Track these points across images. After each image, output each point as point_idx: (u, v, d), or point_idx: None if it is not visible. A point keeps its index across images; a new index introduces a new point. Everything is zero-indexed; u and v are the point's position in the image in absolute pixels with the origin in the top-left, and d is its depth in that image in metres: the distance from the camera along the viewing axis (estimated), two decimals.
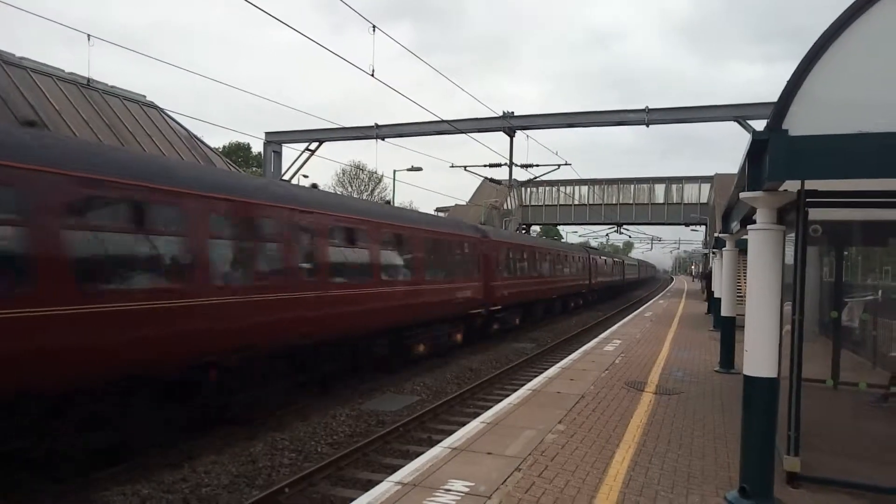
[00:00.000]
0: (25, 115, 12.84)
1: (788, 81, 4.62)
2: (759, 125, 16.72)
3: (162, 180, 7.80)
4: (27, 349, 6.15)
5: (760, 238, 5.01)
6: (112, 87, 16.89)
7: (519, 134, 23.18)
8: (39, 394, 6.53)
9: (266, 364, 9.80)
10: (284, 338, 9.85)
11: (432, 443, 8.24)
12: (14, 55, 14.38)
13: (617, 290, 46.26)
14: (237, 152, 56.50)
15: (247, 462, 8.31)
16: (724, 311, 12.44)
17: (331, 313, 10.84)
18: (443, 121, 21.30)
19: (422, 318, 14.57)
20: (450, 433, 7.79)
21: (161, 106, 18.60)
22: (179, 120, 18.85)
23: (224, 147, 54.87)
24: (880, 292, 8.95)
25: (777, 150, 4.43)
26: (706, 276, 35.39)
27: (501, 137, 23.54)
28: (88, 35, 12.96)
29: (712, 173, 44.17)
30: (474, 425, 7.50)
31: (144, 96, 18.13)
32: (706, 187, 46.67)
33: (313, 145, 23.26)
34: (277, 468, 8.18)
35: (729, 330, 12.03)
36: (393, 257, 13.38)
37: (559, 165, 27.84)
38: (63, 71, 15.43)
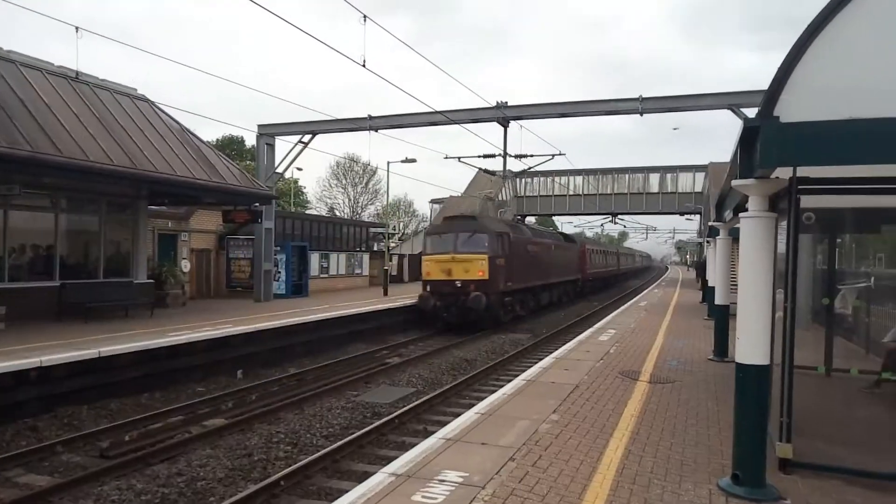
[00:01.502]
0: (14, 110, 12.73)
1: (779, 68, 4.60)
2: (753, 113, 16.70)
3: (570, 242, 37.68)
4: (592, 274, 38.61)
5: (752, 225, 5.00)
6: (102, 80, 16.74)
7: (513, 125, 23.11)
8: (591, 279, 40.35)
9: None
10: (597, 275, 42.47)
11: (427, 434, 8.25)
12: (2, 49, 14.23)
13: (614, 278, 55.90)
14: (230, 146, 56.18)
15: (242, 455, 8.32)
16: (718, 300, 12.46)
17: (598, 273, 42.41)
18: (436, 111, 21.19)
19: (620, 274, 55.85)
20: (445, 424, 7.80)
21: (154, 99, 18.47)
22: (172, 113, 18.72)
23: (217, 140, 54.60)
24: (873, 279, 8.97)
25: (768, 137, 4.42)
26: (700, 265, 35.47)
27: (496, 128, 23.48)
28: (77, 27, 12.85)
29: (707, 162, 44.19)
30: (469, 416, 7.50)
31: (135, 89, 17.96)
32: (700, 176, 46.64)
33: (306, 137, 23.10)
34: (273, 461, 8.18)
35: (723, 318, 12.05)
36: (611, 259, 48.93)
37: (553, 156, 27.78)
38: (52, 64, 15.26)
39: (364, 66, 15.15)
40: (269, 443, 8.85)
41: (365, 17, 13.84)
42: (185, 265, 21.87)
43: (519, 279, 22.48)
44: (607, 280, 49.13)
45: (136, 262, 18.14)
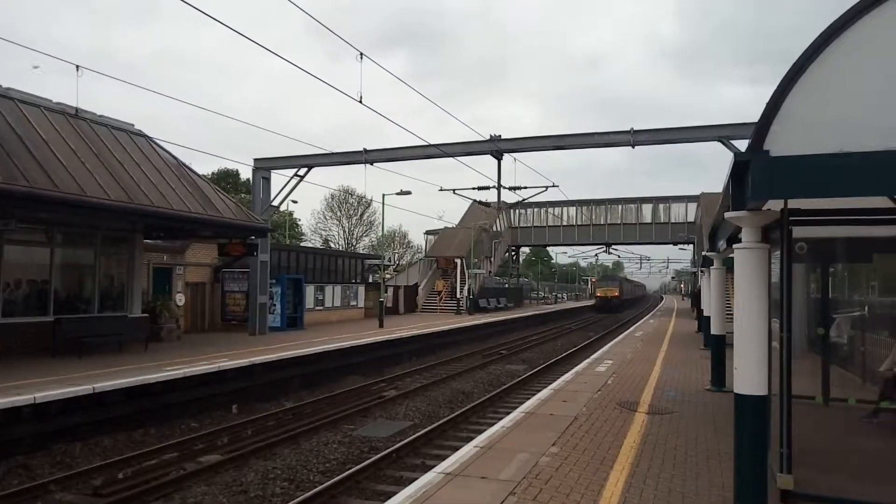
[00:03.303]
0: (12, 145, 12.82)
1: (768, 103, 4.71)
2: (743, 145, 16.92)
3: (632, 283, 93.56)
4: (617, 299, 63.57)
5: (746, 257, 5.06)
6: (100, 116, 16.91)
7: (507, 157, 23.34)
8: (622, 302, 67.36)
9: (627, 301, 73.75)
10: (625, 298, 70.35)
11: (426, 468, 8.18)
12: (1, 86, 14.40)
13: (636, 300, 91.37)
14: (226, 179, 56.47)
15: (238, 492, 8.21)
16: (714, 330, 12.48)
17: (627, 298, 72.04)
18: (430, 145, 21.42)
19: (633, 299, 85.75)
20: (443, 458, 7.74)
21: (154, 135, 18.63)
22: (170, 148, 18.86)
23: (212, 174, 54.87)
24: (867, 308, 9.03)
25: (758, 171, 4.50)
26: (695, 295, 35.53)
27: (490, 161, 23.71)
28: (77, 66, 13.04)
29: (698, 192, 44.65)
30: (468, 450, 7.45)
31: (133, 125, 18.13)
32: (693, 206, 47.08)
33: (302, 171, 23.26)
34: (269, 498, 8.08)
35: (719, 348, 12.06)
36: (629, 287, 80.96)
37: (547, 187, 28.07)
38: (51, 101, 15.43)
39: (361, 101, 15.39)
40: (265, 479, 8.74)
41: (361, 54, 14.11)
42: (180, 299, 21.78)
43: (625, 296, 67.25)
44: (632, 301, 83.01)
45: (131, 297, 18.07)
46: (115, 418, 11.21)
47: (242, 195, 49.06)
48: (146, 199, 15.27)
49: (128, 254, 18.20)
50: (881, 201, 5.81)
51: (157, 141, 18.60)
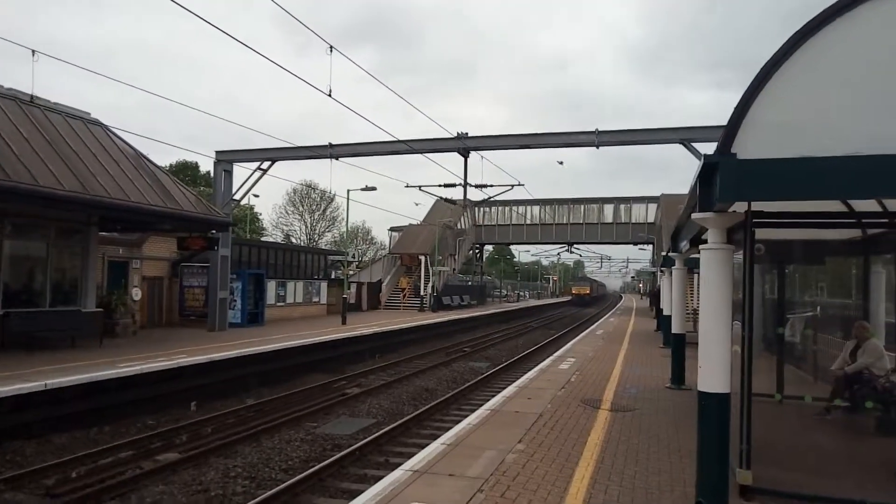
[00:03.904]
0: None
1: (736, 108, 4.82)
2: (704, 147, 17.33)
3: (597, 283, 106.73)
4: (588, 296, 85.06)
5: (712, 257, 5.17)
6: (55, 103, 16.31)
7: (473, 155, 23.39)
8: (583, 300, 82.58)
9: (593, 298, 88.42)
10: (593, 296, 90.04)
11: (390, 466, 8.15)
12: None
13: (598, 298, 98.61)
14: (185, 171, 55.19)
15: (198, 491, 8.05)
16: (675, 329, 12.72)
17: (594, 296, 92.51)
18: (397, 141, 21.31)
19: (598, 296, 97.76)
20: (408, 455, 7.71)
21: (114, 124, 18.05)
22: (127, 138, 18.31)
23: (171, 166, 53.58)
24: (819, 308, 9.36)
25: (727, 173, 4.60)
26: (654, 294, 36.28)
27: (457, 158, 23.72)
28: (33, 50, 12.55)
29: (659, 193, 45.56)
30: (435, 447, 7.44)
31: (89, 113, 17.54)
32: (653, 207, 48.02)
33: (265, 164, 22.87)
34: (230, 496, 7.94)
35: (679, 347, 12.30)
36: (595, 286, 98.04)
37: (512, 186, 28.27)
38: (2, 87, 14.82)
39: (330, 95, 15.22)
40: (225, 477, 8.59)
41: (331, 47, 13.93)
42: (136, 293, 21.21)
43: (593, 293, 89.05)
44: (598, 298, 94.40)
45: (85, 290, 17.50)
46: (69, 415, 10.85)
47: (202, 188, 47.99)
48: (102, 191, 14.80)
49: (82, 246, 17.60)
50: (836, 205, 6.02)
51: (114, 130, 18.05)
